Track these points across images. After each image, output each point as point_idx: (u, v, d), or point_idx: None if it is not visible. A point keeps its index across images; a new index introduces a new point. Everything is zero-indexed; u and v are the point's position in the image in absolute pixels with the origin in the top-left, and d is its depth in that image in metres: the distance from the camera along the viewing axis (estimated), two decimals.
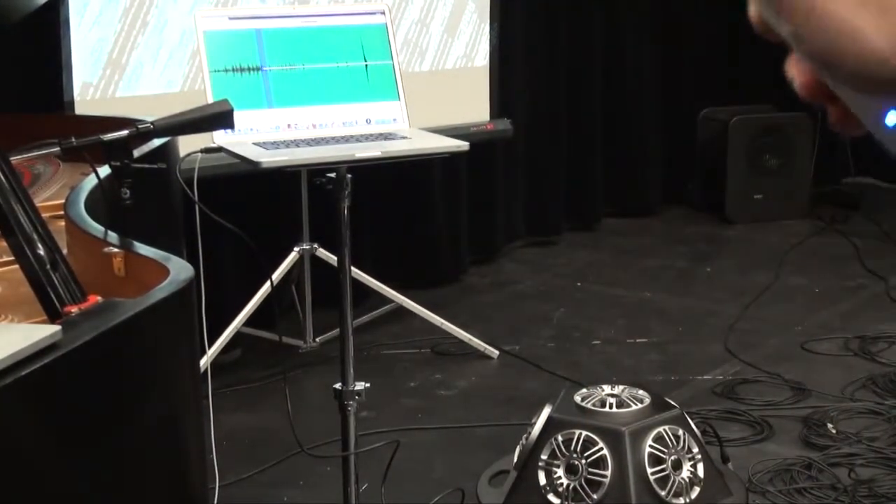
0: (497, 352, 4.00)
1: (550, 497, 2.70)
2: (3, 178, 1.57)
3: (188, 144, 2.55)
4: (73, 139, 1.91)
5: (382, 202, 4.67)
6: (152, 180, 2.20)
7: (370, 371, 3.58)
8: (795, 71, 0.67)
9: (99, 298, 1.52)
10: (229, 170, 3.07)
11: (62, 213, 2.00)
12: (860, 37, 0.59)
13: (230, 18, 2.79)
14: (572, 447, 2.70)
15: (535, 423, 2.79)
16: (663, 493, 2.65)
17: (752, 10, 0.65)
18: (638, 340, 4.13)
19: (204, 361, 2.68)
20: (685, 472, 2.70)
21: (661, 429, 2.71)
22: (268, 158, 2.55)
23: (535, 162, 5.39)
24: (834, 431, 3.26)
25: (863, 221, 5.58)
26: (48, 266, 1.56)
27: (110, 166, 1.98)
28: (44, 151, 1.99)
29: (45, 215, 1.70)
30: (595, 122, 5.61)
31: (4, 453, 1.19)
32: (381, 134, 2.77)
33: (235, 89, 2.66)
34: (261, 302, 3.69)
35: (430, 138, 2.81)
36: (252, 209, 4.02)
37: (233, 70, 2.71)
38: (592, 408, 2.77)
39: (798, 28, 0.61)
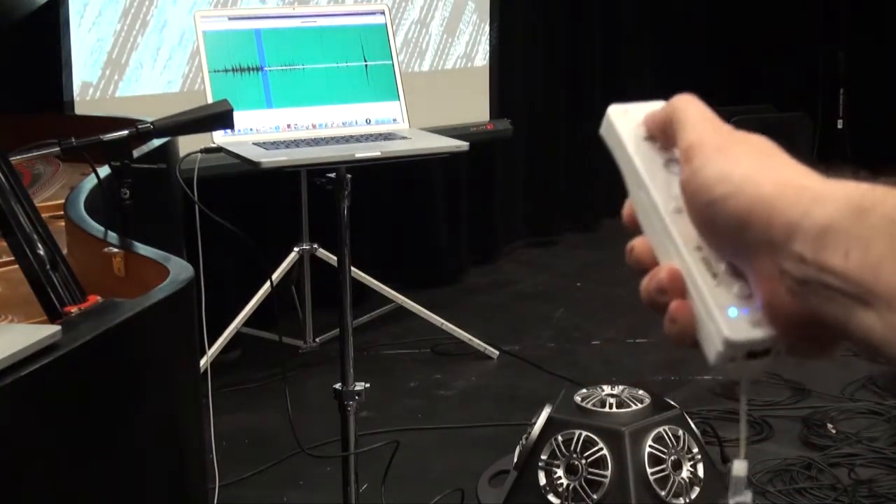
0: (497, 352, 4.00)
1: (550, 497, 2.70)
2: (3, 178, 1.57)
3: (188, 144, 2.55)
4: (73, 139, 1.91)
5: (382, 202, 4.67)
6: (152, 180, 2.20)
7: (370, 371, 3.58)
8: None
9: (99, 298, 1.52)
10: (229, 170, 3.07)
11: (62, 213, 2.00)
12: None
13: (230, 18, 2.79)
14: (572, 447, 2.70)
15: (535, 423, 2.79)
16: (663, 494, 2.65)
17: None
18: (638, 340, 4.13)
19: (204, 361, 2.68)
20: (685, 473, 2.70)
21: (661, 429, 2.71)
22: (268, 158, 2.55)
23: (535, 162, 5.39)
24: (834, 431, 3.26)
25: None
26: (48, 266, 1.56)
27: (110, 166, 1.98)
28: (44, 151, 1.99)
29: (45, 215, 1.70)
30: (594, 121, 5.58)
31: (4, 453, 1.19)
32: (380, 134, 2.77)
33: (235, 89, 2.66)
34: (261, 302, 3.69)
35: (430, 138, 2.81)
36: (252, 209, 4.03)
37: (232, 70, 2.71)
38: (592, 408, 2.77)
39: None
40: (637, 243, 0.66)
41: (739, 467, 0.66)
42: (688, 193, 0.62)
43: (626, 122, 0.69)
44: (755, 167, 0.60)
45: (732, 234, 0.59)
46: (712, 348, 0.61)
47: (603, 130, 0.71)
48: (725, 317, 0.60)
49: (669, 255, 0.64)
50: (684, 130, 0.64)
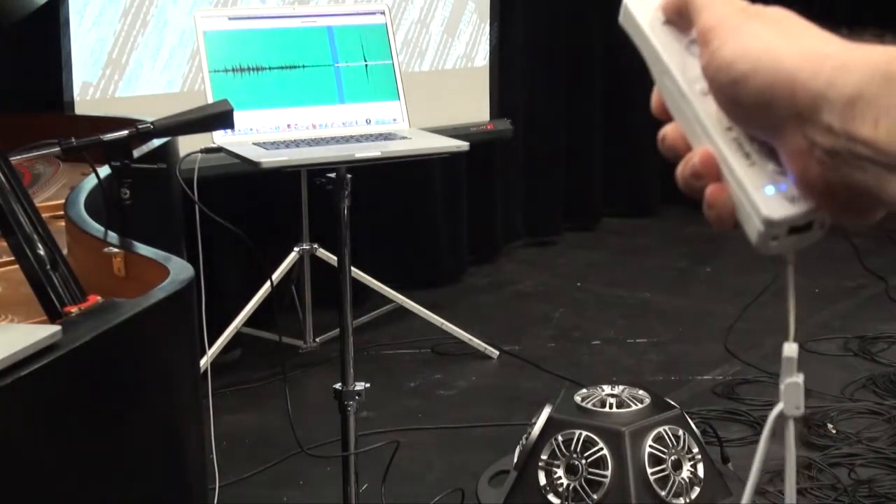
0: (497, 352, 4.00)
1: (550, 497, 2.70)
2: (3, 178, 1.57)
3: (188, 144, 2.55)
4: (73, 139, 1.91)
5: (382, 202, 4.67)
6: (152, 180, 2.20)
7: (370, 371, 3.58)
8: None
9: (99, 298, 1.52)
10: (229, 170, 3.07)
11: (62, 213, 2.00)
12: None
13: (230, 18, 2.79)
14: (572, 447, 2.70)
15: (535, 423, 2.79)
16: (663, 494, 2.65)
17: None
18: (638, 340, 4.13)
19: (204, 361, 2.68)
20: (685, 472, 2.70)
21: (661, 429, 2.71)
22: (268, 158, 2.55)
23: (535, 162, 5.38)
24: (834, 431, 3.26)
25: None
26: (48, 266, 1.56)
27: (110, 166, 1.98)
28: (44, 151, 1.99)
29: (45, 215, 1.70)
30: (595, 121, 5.61)
31: (4, 453, 1.19)
32: (381, 134, 2.77)
33: (235, 89, 2.66)
34: (261, 302, 3.69)
35: (430, 138, 2.81)
36: (252, 209, 4.03)
37: (233, 70, 2.71)
38: (592, 408, 2.77)
39: None
40: (668, 130, 0.66)
41: (789, 349, 0.65)
42: (709, 76, 0.61)
43: (643, 7, 0.68)
44: (773, 41, 0.59)
45: (758, 111, 0.59)
46: (753, 229, 0.61)
47: (622, 19, 0.69)
48: (762, 196, 0.60)
49: (701, 140, 0.63)
50: (699, 13, 0.63)
